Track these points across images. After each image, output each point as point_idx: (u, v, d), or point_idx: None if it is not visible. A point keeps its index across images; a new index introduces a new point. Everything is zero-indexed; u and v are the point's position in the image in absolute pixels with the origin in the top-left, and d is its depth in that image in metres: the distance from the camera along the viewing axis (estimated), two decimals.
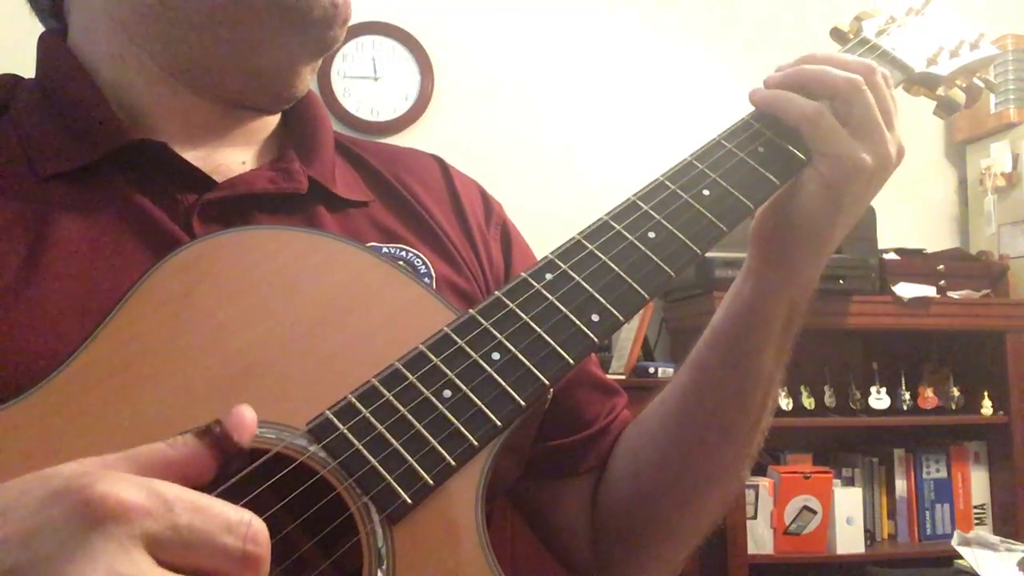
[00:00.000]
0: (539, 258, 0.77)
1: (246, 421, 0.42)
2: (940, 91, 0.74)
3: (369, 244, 0.67)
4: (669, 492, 0.71)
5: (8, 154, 0.61)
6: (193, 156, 0.64)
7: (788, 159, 0.64)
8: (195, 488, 0.39)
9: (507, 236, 0.78)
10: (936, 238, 2.73)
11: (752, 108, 0.67)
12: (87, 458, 0.39)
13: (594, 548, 0.74)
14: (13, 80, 0.68)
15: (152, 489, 0.37)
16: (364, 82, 2.57)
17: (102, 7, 0.64)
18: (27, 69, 0.69)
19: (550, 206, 2.35)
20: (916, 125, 0.71)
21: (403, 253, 0.68)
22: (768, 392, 0.69)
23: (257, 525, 0.38)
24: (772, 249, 0.66)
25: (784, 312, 0.67)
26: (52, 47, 0.67)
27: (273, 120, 0.73)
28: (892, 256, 2.42)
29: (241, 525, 0.38)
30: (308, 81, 0.71)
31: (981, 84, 0.77)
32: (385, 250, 0.67)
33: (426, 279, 0.66)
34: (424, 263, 0.68)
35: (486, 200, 0.79)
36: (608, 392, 0.77)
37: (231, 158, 0.67)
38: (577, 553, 0.75)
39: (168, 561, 0.36)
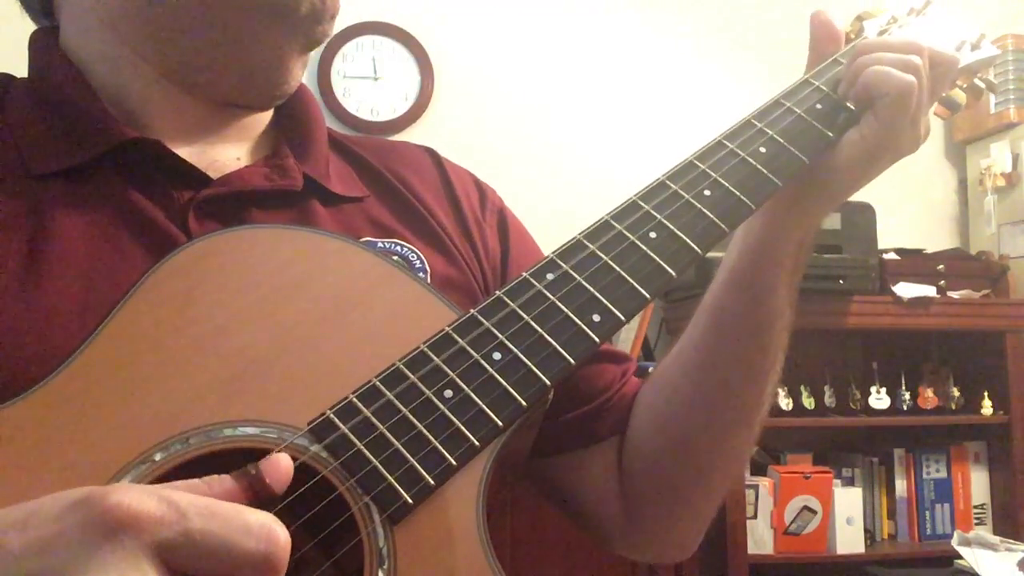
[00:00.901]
0: (539, 245, 0.78)
1: (282, 469, 0.43)
2: (948, 81, 0.74)
3: (364, 239, 0.67)
4: (699, 438, 0.71)
5: (2, 151, 0.61)
6: (187, 153, 0.64)
7: (789, 160, 0.64)
8: None
9: (504, 222, 0.78)
10: (936, 238, 2.72)
11: (753, 108, 0.67)
12: (116, 485, 0.40)
13: (626, 509, 0.75)
14: (6, 79, 0.68)
15: (165, 497, 0.37)
16: (364, 82, 2.57)
17: (91, 7, 0.64)
18: (20, 68, 0.69)
19: (550, 206, 2.35)
20: None
21: (398, 248, 0.68)
22: (783, 330, 0.71)
23: (276, 527, 0.38)
24: (791, 190, 0.66)
25: (794, 251, 0.69)
26: (44, 46, 0.67)
27: (266, 116, 0.73)
28: (892, 256, 2.42)
29: (261, 528, 0.38)
30: (299, 76, 0.71)
31: (982, 84, 0.77)
32: (380, 245, 0.67)
33: (421, 274, 0.67)
34: (419, 257, 0.68)
35: (480, 187, 0.80)
36: (617, 360, 0.78)
37: (226, 154, 0.67)
38: (608, 520, 0.76)
39: (182, 568, 0.37)
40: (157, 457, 0.47)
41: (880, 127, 0.65)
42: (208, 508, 0.37)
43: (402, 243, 0.68)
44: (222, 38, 0.64)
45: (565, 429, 0.72)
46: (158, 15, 0.62)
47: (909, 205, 2.70)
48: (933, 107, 0.74)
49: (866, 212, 2.31)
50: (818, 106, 0.67)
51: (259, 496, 0.42)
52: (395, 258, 0.66)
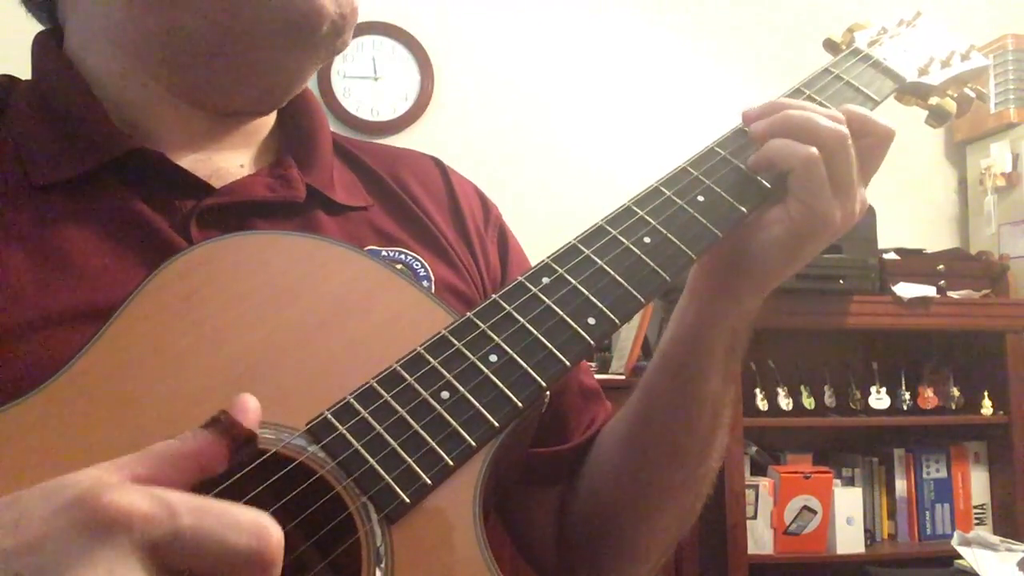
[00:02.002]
0: (534, 260, 0.78)
1: (249, 406, 0.43)
2: (932, 100, 0.75)
3: (368, 248, 0.67)
4: (624, 511, 0.71)
5: (3, 160, 0.61)
6: (190, 161, 0.65)
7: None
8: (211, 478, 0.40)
9: (504, 239, 0.78)
10: (936, 238, 2.73)
11: (753, 108, 0.67)
12: (103, 463, 0.40)
13: (559, 557, 0.75)
14: (8, 81, 0.68)
15: (156, 495, 0.37)
16: (364, 82, 2.58)
17: (102, 28, 0.64)
18: (21, 69, 0.69)
19: (550, 206, 2.36)
20: (916, 125, 0.71)
21: (402, 256, 0.68)
22: (717, 413, 0.69)
23: (269, 524, 0.38)
24: (719, 276, 0.65)
25: (727, 339, 0.67)
26: (48, 50, 0.67)
27: (269, 120, 0.73)
28: (892, 256, 2.43)
29: (253, 525, 0.38)
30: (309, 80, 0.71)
31: (972, 94, 0.78)
32: (384, 253, 0.68)
33: (425, 282, 0.67)
34: (423, 266, 0.68)
35: (484, 202, 0.80)
36: (589, 399, 0.77)
37: (229, 162, 0.67)
38: (544, 559, 0.76)
39: (174, 566, 0.37)
40: None
41: (800, 204, 0.61)
42: (200, 506, 0.37)
43: (406, 251, 0.69)
44: (242, 62, 0.64)
45: (533, 463, 0.72)
46: (176, 42, 0.62)
47: (909, 205, 2.71)
48: (925, 115, 0.74)
49: (866, 212, 2.31)
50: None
51: (235, 438, 0.41)
52: (399, 267, 0.66)
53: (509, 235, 0.80)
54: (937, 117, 0.75)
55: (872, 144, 0.65)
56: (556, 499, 0.76)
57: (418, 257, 0.69)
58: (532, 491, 0.75)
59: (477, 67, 2.63)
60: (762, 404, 2.33)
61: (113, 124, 0.63)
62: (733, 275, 0.65)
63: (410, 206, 0.73)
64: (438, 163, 0.80)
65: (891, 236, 2.51)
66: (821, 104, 0.68)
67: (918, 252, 2.50)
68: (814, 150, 0.61)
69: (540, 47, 2.67)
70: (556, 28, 2.68)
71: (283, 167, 0.68)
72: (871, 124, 0.64)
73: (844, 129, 0.62)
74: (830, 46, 0.76)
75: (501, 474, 0.56)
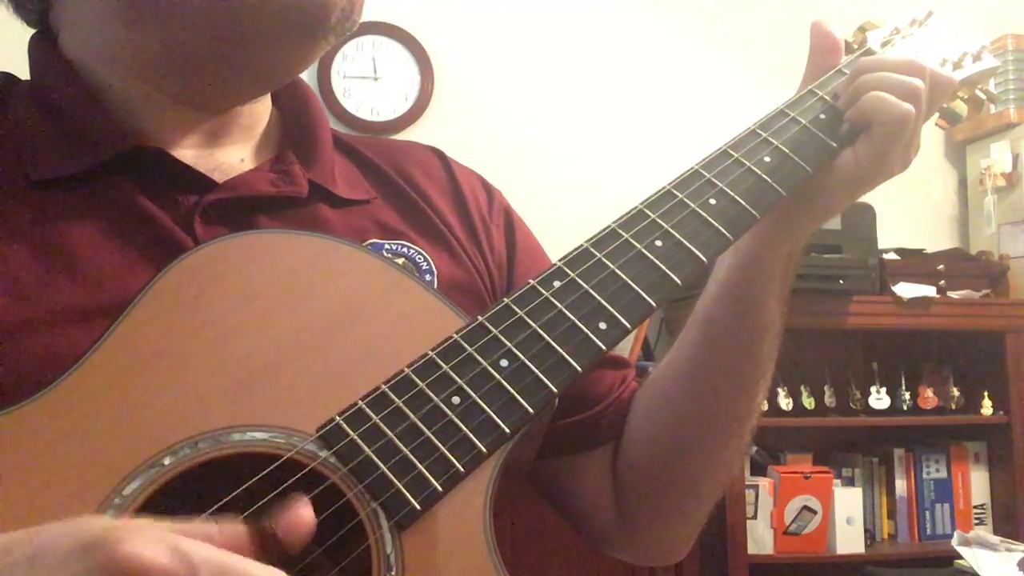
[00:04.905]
0: (542, 247, 0.78)
1: (301, 527, 0.42)
2: (943, 102, 0.74)
3: (370, 241, 0.67)
4: (689, 447, 0.72)
5: (4, 157, 0.61)
6: (191, 156, 0.64)
7: (793, 170, 0.64)
8: None
9: (510, 223, 0.78)
10: (936, 238, 2.73)
11: (758, 116, 0.67)
12: (134, 520, 0.39)
13: (619, 513, 0.76)
14: (8, 78, 0.68)
15: (178, 549, 0.36)
16: (364, 82, 2.57)
17: (100, 43, 0.64)
18: (21, 69, 0.69)
19: (550, 207, 2.36)
20: None
21: (405, 250, 0.68)
22: (774, 340, 0.71)
23: None
24: (779, 208, 0.66)
25: (783, 264, 0.69)
26: (46, 53, 0.66)
27: (266, 112, 0.72)
28: (892, 256, 2.43)
29: None
30: None
31: (983, 96, 0.77)
32: (387, 247, 0.67)
33: (427, 276, 0.67)
34: (426, 259, 0.68)
35: (487, 187, 0.80)
36: (617, 365, 0.78)
37: (230, 156, 0.67)
38: (602, 523, 0.77)
39: None
40: (166, 461, 0.47)
41: (874, 151, 0.65)
42: (220, 564, 0.37)
43: (408, 245, 0.69)
44: (246, 64, 0.64)
45: (564, 433, 0.73)
46: (176, 57, 0.62)
47: (909, 205, 2.70)
48: (935, 117, 0.74)
49: (866, 212, 2.32)
50: (822, 116, 0.67)
51: (270, 554, 0.41)
52: (402, 261, 0.66)
53: (515, 217, 0.80)
54: (948, 119, 0.75)
55: (936, 94, 0.69)
56: (608, 457, 0.76)
57: (421, 251, 0.68)
58: (579, 459, 0.76)
59: (477, 67, 2.62)
60: (762, 404, 2.33)
61: (114, 121, 0.63)
62: (797, 206, 0.67)
63: (413, 198, 0.73)
64: (439, 154, 0.80)
65: (891, 236, 2.51)
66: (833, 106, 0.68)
67: (918, 252, 2.50)
68: (911, 108, 0.63)
69: (540, 47, 2.66)
70: (556, 28, 2.68)
71: (285, 162, 0.68)
72: (937, 76, 0.68)
73: (924, 86, 0.65)
74: (842, 46, 0.76)
75: (512, 472, 0.56)
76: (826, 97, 0.68)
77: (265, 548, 0.41)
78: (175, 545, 0.37)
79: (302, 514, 0.42)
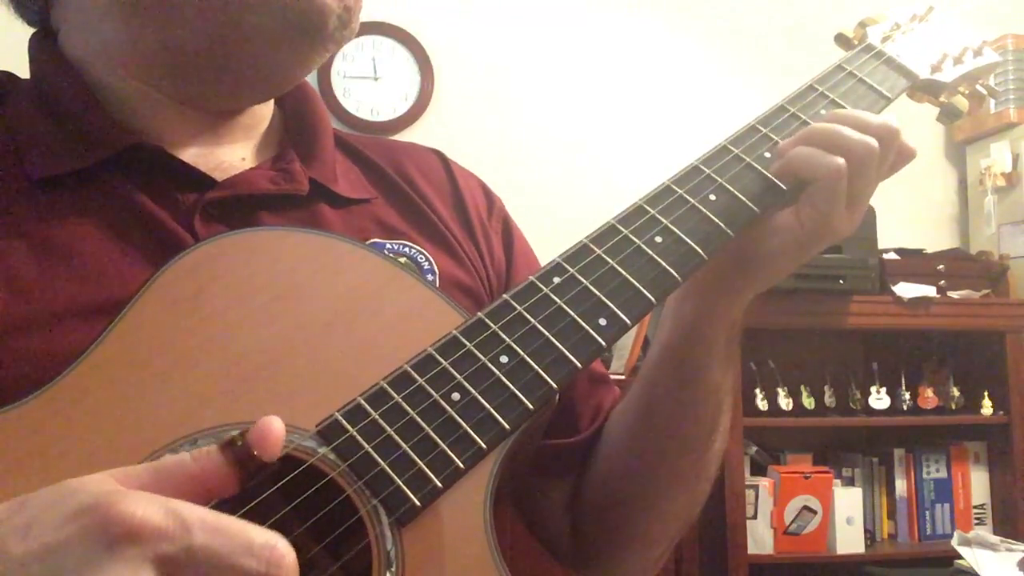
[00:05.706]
0: (538, 258, 0.77)
1: (271, 432, 0.41)
2: (943, 98, 0.74)
3: (372, 240, 0.67)
4: (635, 499, 0.72)
5: (3, 155, 0.61)
6: (192, 155, 0.64)
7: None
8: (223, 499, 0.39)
9: (508, 231, 0.78)
10: (936, 238, 2.73)
11: (757, 112, 0.67)
12: (115, 470, 0.39)
13: (574, 547, 0.76)
14: (7, 77, 0.68)
15: (172, 509, 0.36)
16: (364, 82, 2.57)
17: (100, 43, 0.64)
18: (21, 69, 0.69)
19: (551, 207, 2.36)
20: (916, 125, 0.71)
21: (406, 249, 0.68)
22: (720, 399, 0.69)
23: (282, 547, 0.38)
24: (721, 274, 0.65)
25: (726, 330, 0.67)
26: (46, 52, 0.66)
27: (269, 113, 0.72)
28: (892, 256, 2.43)
29: (264, 548, 0.37)
30: None
31: (983, 91, 0.77)
32: (388, 246, 0.67)
33: (429, 275, 0.67)
34: (427, 259, 0.68)
35: (487, 194, 0.80)
36: (597, 384, 0.77)
37: (230, 155, 0.67)
38: (560, 547, 0.77)
39: None
40: None
41: (814, 213, 0.61)
42: (214, 524, 0.37)
43: (410, 244, 0.68)
44: (246, 67, 0.64)
45: (544, 455, 0.72)
46: (176, 58, 0.62)
47: (909, 205, 2.71)
48: (936, 112, 0.74)
49: (866, 212, 2.31)
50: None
51: (248, 468, 0.41)
52: (403, 260, 0.66)
53: (513, 227, 0.79)
54: (949, 114, 0.74)
55: (894, 162, 0.64)
56: (568, 490, 0.76)
57: (422, 250, 0.68)
58: (544, 483, 0.75)
59: (477, 67, 2.62)
60: (762, 404, 2.33)
61: (113, 120, 0.63)
62: (738, 275, 0.65)
63: (414, 198, 0.72)
64: (440, 156, 0.80)
65: (891, 236, 2.51)
66: (834, 101, 0.67)
67: (918, 252, 2.50)
68: (842, 162, 0.59)
69: (540, 47, 2.66)
70: (556, 28, 2.68)
71: (285, 160, 0.68)
72: (900, 143, 0.63)
73: (875, 144, 0.60)
74: (842, 41, 0.75)
75: (514, 470, 0.56)
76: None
77: (244, 466, 0.40)
78: (169, 506, 0.37)
79: (269, 421, 0.41)
